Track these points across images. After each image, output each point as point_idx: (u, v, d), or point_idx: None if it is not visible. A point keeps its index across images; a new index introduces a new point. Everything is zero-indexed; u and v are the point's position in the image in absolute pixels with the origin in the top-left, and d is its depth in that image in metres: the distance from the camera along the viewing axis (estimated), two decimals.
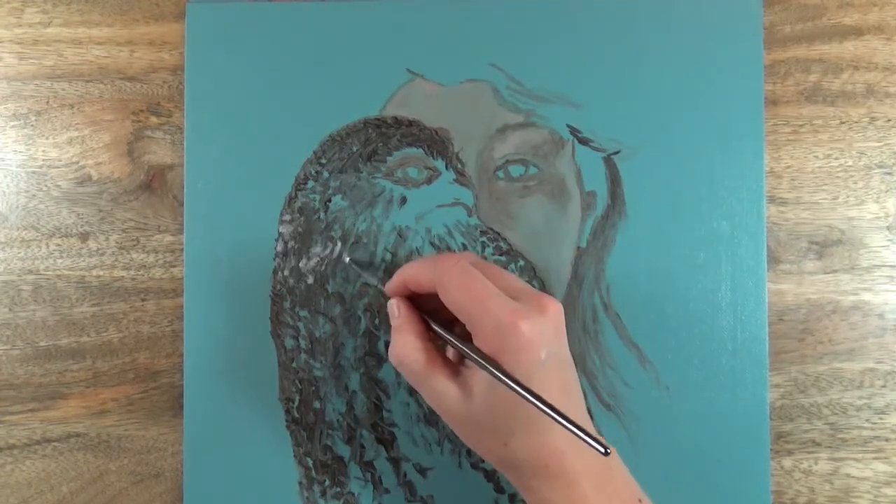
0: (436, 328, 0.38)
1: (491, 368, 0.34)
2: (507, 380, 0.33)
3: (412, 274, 0.39)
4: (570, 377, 0.37)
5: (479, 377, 0.36)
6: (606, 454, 0.31)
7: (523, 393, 0.33)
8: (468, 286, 0.36)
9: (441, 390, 0.37)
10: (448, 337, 0.37)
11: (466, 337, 0.37)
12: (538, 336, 0.34)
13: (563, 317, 0.37)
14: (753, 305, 0.45)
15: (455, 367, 0.38)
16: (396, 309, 0.39)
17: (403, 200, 0.46)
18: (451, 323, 0.38)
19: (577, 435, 0.31)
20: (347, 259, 0.45)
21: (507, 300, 0.35)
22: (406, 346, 0.38)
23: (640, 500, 0.37)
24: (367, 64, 0.46)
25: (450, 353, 0.40)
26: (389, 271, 0.44)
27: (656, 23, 0.46)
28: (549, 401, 0.33)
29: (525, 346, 0.34)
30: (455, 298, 0.36)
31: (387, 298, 0.40)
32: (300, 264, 0.46)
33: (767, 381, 0.45)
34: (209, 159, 0.46)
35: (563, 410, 0.33)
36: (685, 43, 0.46)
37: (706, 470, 0.44)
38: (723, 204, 0.45)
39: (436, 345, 0.39)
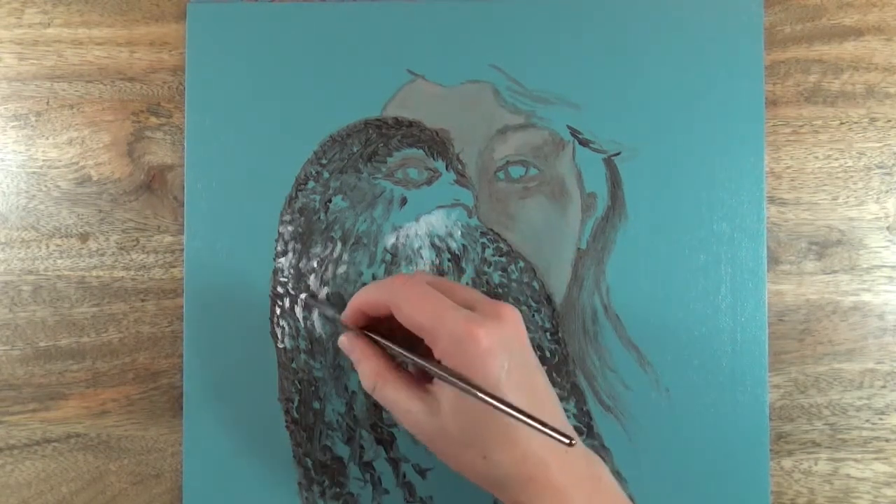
0: (390, 347, 0.38)
1: (451, 378, 0.34)
2: (467, 387, 0.33)
3: (365, 299, 0.39)
4: (538, 381, 0.37)
5: (445, 392, 0.36)
6: (570, 444, 0.31)
7: (484, 398, 0.32)
8: (422, 302, 0.36)
9: (410, 409, 0.37)
10: (405, 354, 0.37)
11: (429, 355, 0.36)
12: (497, 343, 0.34)
13: (522, 322, 0.37)
14: (753, 307, 0.45)
15: (422, 386, 0.38)
16: (349, 343, 0.40)
17: (404, 201, 0.46)
18: (414, 343, 0.38)
19: (537, 428, 0.31)
20: (303, 296, 0.46)
21: (462, 311, 0.35)
22: (373, 373, 0.38)
23: None
24: (367, 64, 0.46)
25: (416, 373, 0.40)
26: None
27: (656, 24, 0.46)
28: (518, 405, 0.33)
29: (485, 354, 0.34)
30: (410, 315, 0.36)
31: (345, 328, 0.41)
32: (300, 264, 0.46)
33: (767, 382, 0.45)
34: (209, 159, 0.46)
35: (534, 413, 0.33)
36: (685, 44, 0.46)
37: (706, 471, 0.44)
38: (723, 205, 0.45)
39: (399, 367, 0.39)
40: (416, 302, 0.36)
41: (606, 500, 0.36)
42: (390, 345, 0.38)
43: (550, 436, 0.31)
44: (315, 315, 0.46)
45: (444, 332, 0.35)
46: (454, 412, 0.35)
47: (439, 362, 0.35)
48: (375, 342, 0.39)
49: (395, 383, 0.37)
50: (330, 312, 0.43)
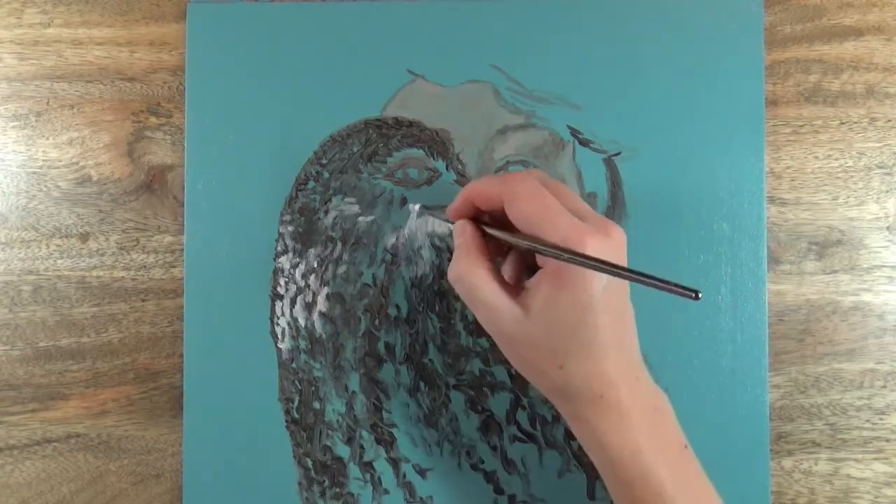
0: (503, 234, 0.38)
1: (568, 256, 0.34)
2: (588, 261, 0.33)
3: (479, 189, 0.38)
4: (627, 307, 0.37)
5: (538, 296, 0.36)
6: (697, 298, 0.30)
7: (603, 266, 0.32)
8: (535, 200, 0.36)
9: (499, 308, 0.36)
10: (512, 237, 0.37)
11: (527, 259, 0.38)
12: (602, 256, 0.34)
13: (626, 244, 0.37)
14: (753, 307, 0.45)
15: (514, 288, 0.38)
16: (462, 229, 0.39)
17: (404, 201, 0.46)
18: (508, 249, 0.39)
19: (665, 288, 0.31)
20: (417, 207, 0.45)
21: (574, 218, 0.35)
22: (469, 263, 0.38)
23: (685, 447, 0.37)
24: (367, 64, 0.46)
25: (511, 278, 0.40)
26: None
27: (656, 23, 0.46)
28: (605, 326, 0.34)
29: None
30: (523, 211, 0.36)
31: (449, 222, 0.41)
32: (300, 264, 0.46)
33: (767, 382, 0.45)
34: (209, 159, 0.46)
35: (617, 338, 0.35)
36: (685, 43, 0.46)
37: (706, 471, 0.44)
38: (723, 205, 0.45)
39: (495, 266, 0.38)
40: (530, 198, 0.36)
41: (668, 434, 0.37)
42: (501, 233, 0.38)
43: (679, 293, 0.30)
44: (316, 314, 0.46)
45: (554, 233, 0.35)
46: (546, 312, 0.35)
47: (552, 243, 0.35)
48: (485, 240, 0.39)
49: (492, 280, 0.37)
50: (442, 216, 0.43)
